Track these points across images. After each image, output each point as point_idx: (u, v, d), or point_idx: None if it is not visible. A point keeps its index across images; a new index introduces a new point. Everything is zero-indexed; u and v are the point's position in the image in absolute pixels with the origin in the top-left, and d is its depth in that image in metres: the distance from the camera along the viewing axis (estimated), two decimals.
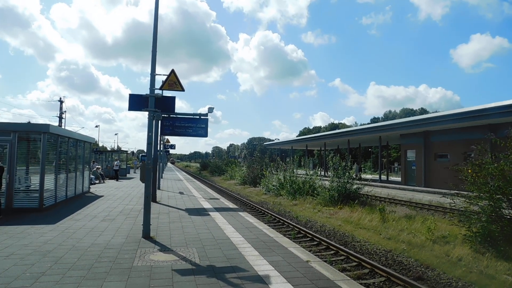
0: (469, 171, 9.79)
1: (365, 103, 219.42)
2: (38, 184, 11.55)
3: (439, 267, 7.98)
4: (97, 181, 24.03)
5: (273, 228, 10.72)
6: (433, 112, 59.01)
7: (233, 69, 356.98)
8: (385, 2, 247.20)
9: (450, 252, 8.96)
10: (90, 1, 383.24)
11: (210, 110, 13.38)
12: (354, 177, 18.81)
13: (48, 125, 11.97)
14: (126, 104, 8.87)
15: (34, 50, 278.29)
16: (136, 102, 8.79)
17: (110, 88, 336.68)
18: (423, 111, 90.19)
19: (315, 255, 8.04)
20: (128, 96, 8.87)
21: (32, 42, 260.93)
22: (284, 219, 13.64)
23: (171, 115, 13.20)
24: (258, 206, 17.67)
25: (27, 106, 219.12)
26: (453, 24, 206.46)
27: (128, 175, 34.87)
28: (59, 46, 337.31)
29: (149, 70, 8.72)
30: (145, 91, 8.70)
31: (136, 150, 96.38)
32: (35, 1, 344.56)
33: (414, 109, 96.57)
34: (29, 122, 23.54)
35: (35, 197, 11.63)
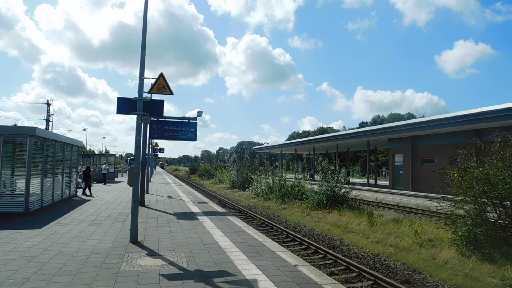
0: (455, 175, 9.95)
1: (352, 108, 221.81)
2: (23, 188, 11.37)
3: (426, 270, 8.07)
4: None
5: (261, 232, 10.71)
6: (420, 117, 59.87)
7: (220, 72, 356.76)
8: (370, 7, 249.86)
9: (436, 255, 9.07)
10: (75, 3, 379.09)
11: (199, 114, 13.35)
12: (343, 181, 18.92)
13: (35, 128, 11.83)
14: (113, 107, 8.81)
15: (18, 51, 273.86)
16: (125, 106, 8.75)
17: (97, 90, 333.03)
18: (410, 116, 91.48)
19: (304, 259, 8.07)
20: (115, 99, 8.81)
21: (16, 43, 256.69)
22: (273, 223, 13.65)
23: (160, 119, 13.14)
24: (246, 210, 17.65)
25: (12, 109, 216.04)
26: (437, 30, 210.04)
27: (116, 179, 34.53)
28: (44, 48, 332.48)
29: (137, 73, 8.73)
30: (132, 94, 8.68)
31: (124, 154, 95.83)
32: (18, 2, 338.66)
33: (402, 114, 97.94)
34: (15, 125, 23.21)
35: (20, 201, 11.45)
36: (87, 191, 18.93)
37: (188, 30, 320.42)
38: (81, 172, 23.25)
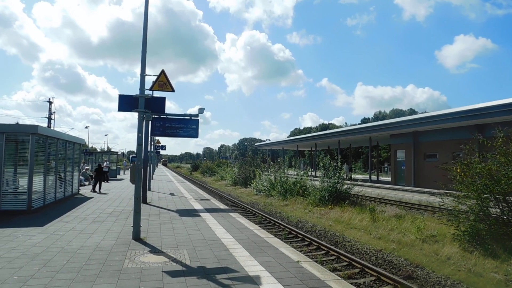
0: (458, 170, 9.92)
1: (353, 104, 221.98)
2: (26, 186, 11.40)
3: (429, 265, 8.07)
4: (87, 183, 23.83)
5: (264, 229, 10.73)
6: (421, 113, 59.72)
7: (220, 69, 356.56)
8: (369, 2, 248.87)
9: (439, 251, 9.06)
10: (72, 0, 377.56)
11: (201, 110, 13.30)
12: (345, 177, 18.91)
13: (37, 126, 11.83)
14: (114, 105, 8.86)
15: (17, 49, 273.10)
16: (126, 103, 8.73)
17: (97, 88, 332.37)
18: (412, 111, 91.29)
19: (306, 255, 8.07)
20: (116, 96, 8.82)
21: (15, 41, 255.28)
22: (275, 220, 13.66)
23: (162, 116, 13.12)
24: (249, 207, 17.67)
25: (13, 107, 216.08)
26: (437, 25, 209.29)
27: (118, 176, 34.59)
28: (43, 46, 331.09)
29: (136, 70, 8.88)
30: (132, 91, 8.78)
31: (126, 151, 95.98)
32: (16, 0, 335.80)
33: (403, 109, 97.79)
34: (17, 123, 23.25)
35: (23, 199, 11.48)
36: (96, 188, 19.19)
37: (187, 26, 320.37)
38: (83, 170, 23.43)
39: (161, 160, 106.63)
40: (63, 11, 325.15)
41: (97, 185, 19.31)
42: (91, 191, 18.93)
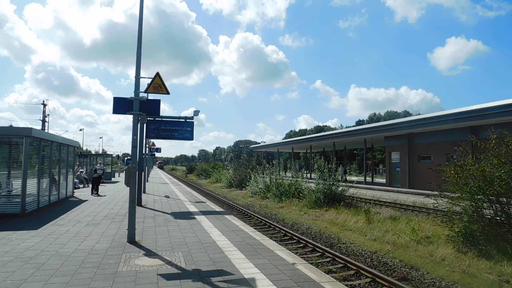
0: (451, 172, 9.98)
1: (347, 105, 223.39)
2: (20, 189, 11.31)
3: (423, 267, 8.10)
4: (81, 185, 23.70)
5: (259, 231, 10.72)
6: (416, 115, 60.07)
7: (213, 71, 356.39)
8: (360, 4, 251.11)
9: (433, 252, 9.10)
10: (63, 2, 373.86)
11: (196, 113, 13.33)
12: (340, 179, 18.95)
13: (31, 128, 11.76)
14: (107, 107, 8.87)
15: (9, 51, 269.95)
16: (121, 105, 8.72)
17: (90, 90, 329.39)
18: (406, 113, 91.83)
19: (301, 257, 8.08)
20: (109, 98, 8.86)
21: (6, 43, 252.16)
22: (271, 222, 13.65)
23: (156, 118, 13.11)
24: (244, 209, 17.65)
25: (5, 109, 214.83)
26: (429, 27, 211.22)
27: (113, 179, 34.41)
28: (35, 47, 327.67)
29: (129, 72, 9.02)
30: (125, 93, 8.72)
31: (121, 154, 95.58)
32: (5, 1, 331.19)
33: (398, 111, 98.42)
34: (11, 126, 23.09)
35: (17, 202, 11.40)
36: (94, 190, 19.22)
37: (180, 28, 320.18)
38: (78, 173, 23.30)
39: (157, 163, 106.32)
40: (54, 12, 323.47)
41: (93, 188, 19.28)
42: (94, 195, 18.84)
